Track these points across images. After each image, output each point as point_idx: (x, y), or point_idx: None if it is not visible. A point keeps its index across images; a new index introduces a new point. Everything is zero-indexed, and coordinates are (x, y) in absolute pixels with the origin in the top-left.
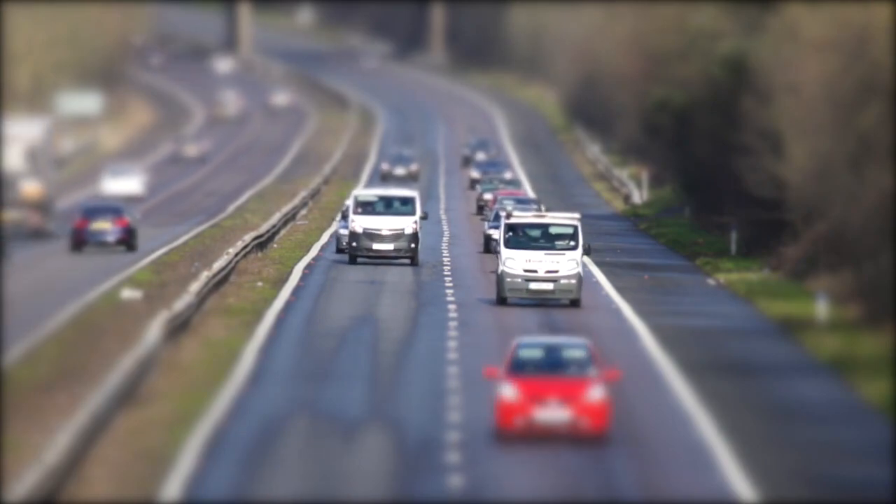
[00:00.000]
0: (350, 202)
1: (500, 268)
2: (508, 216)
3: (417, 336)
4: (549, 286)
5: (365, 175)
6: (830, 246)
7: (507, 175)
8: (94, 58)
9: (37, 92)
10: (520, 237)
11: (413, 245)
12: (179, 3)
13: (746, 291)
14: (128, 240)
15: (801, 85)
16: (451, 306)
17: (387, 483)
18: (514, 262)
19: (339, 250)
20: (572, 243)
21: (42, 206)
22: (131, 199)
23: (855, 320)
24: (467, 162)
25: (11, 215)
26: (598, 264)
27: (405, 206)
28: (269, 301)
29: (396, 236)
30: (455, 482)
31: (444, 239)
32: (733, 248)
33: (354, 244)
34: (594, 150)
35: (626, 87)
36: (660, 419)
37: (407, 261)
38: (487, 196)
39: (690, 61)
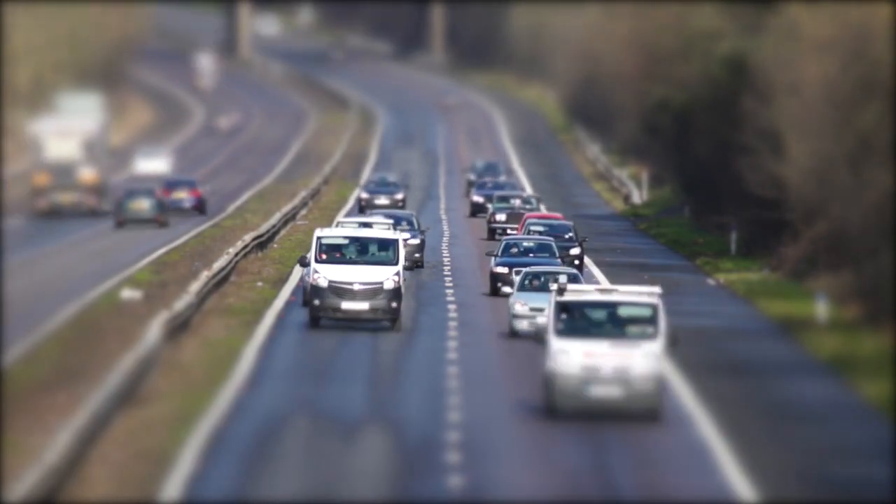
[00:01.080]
0: (313, 244)
1: (549, 365)
2: (561, 292)
3: (417, 336)
4: (618, 391)
5: (365, 175)
6: (830, 246)
7: (522, 194)
8: (94, 58)
9: (37, 92)
10: (576, 321)
11: (394, 304)
12: (179, 2)
13: (746, 291)
14: (199, 207)
15: (801, 85)
16: (451, 306)
17: (387, 483)
18: (569, 357)
19: (308, 301)
20: (650, 330)
21: (97, 189)
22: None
23: (855, 320)
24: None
25: (68, 197)
26: (598, 264)
27: (384, 251)
28: (269, 301)
29: (373, 292)
30: (455, 482)
31: (444, 239)
32: (733, 248)
33: (317, 302)
34: (594, 150)
35: (626, 87)
36: (660, 419)
37: (387, 324)
38: (500, 217)
39: (690, 61)
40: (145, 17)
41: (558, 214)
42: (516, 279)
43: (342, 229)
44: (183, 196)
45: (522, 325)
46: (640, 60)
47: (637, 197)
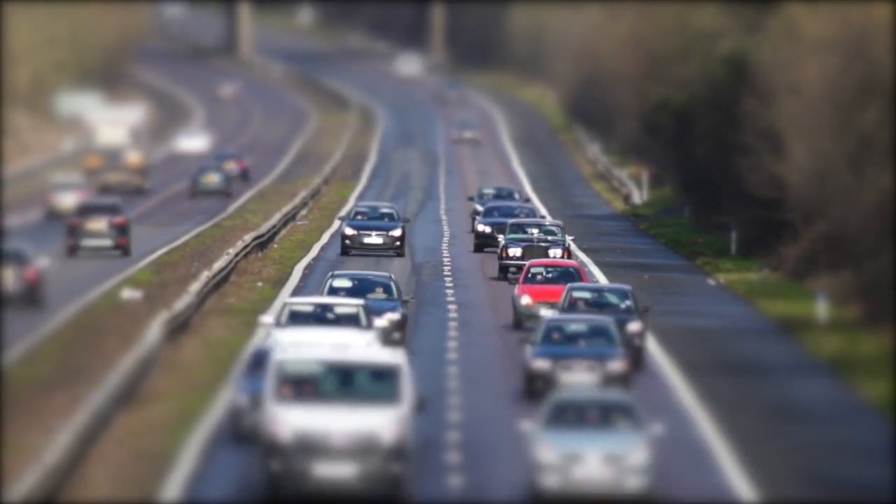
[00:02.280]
0: (270, 372)
1: None
2: None
3: (417, 336)
4: None
5: (365, 176)
6: (830, 246)
7: (543, 222)
8: (94, 58)
9: (37, 92)
10: None
11: (396, 469)
12: (179, 3)
13: (746, 291)
14: (244, 175)
15: (801, 85)
16: (451, 306)
17: None
18: None
19: (243, 436)
20: None
21: (141, 170)
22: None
23: (855, 320)
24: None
25: (117, 177)
26: (598, 264)
27: (380, 383)
28: (269, 301)
29: (363, 449)
30: (455, 482)
31: (444, 239)
32: (733, 248)
33: (278, 467)
34: (594, 150)
35: (626, 87)
36: (660, 419)
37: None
38: (514, 251)
39: (690, 61)
40: (147, 17)
41: (573, 262)
42: (562, 384)
43: (314, 348)
44: (232, 167)
45: (551, 480)
46: (641, 60)
47: (637, 197)
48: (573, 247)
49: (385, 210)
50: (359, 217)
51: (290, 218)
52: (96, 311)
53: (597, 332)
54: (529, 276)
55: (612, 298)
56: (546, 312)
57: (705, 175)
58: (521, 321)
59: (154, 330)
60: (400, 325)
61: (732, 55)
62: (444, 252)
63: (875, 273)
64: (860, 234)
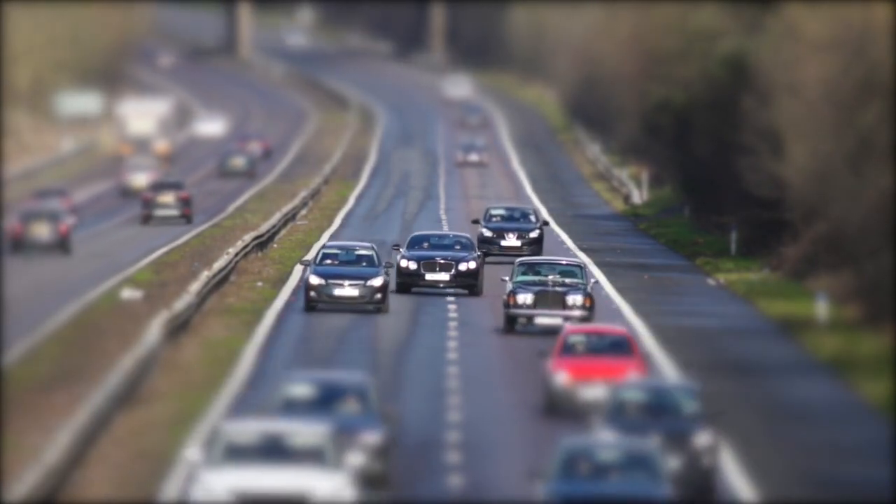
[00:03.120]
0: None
1: None
2: None
3: (417, 336)
4: None
5: (365, 175)
6: (830, 246)
7: (560, 260)
8: (94, 58)
9: (37, 92)
10: None
11: None
12: (179, 3)
13: (746, 291)
14: (267, 154)
15: (801, 85)
16: (451, 306)
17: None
18: None
19: None
20: None
21: (168, 157)
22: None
23: (855, 320)
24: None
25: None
26: (598, 264)
27: None
28: (269, 301)
29: None
30: (455, 482)
31: None
32: (733, 248)
33: None
34: (594, 149)
35: (626, 87)
36: None
37: None
38: (524, 299)
39: (690, 61)
40: (145, 18)
41: (622, 329)
42: None
43: None
44: (255, 146)
45: None
46: (641, 60)
47: (637, 197)
48: (603, 280)
49: (362, 251)
50: (328, 261)
51: (289, 218)
52: (96, 310)
53: (634, 462)
54: (567, 346)
55: (675, 398)
56: (594, 393)
57: (705, 175)
58: (557, 404)
59: (154, 330)
60: (382, 453)
61: (732, 55)
62: None
63: (875, 273)
64: (860, 234)
